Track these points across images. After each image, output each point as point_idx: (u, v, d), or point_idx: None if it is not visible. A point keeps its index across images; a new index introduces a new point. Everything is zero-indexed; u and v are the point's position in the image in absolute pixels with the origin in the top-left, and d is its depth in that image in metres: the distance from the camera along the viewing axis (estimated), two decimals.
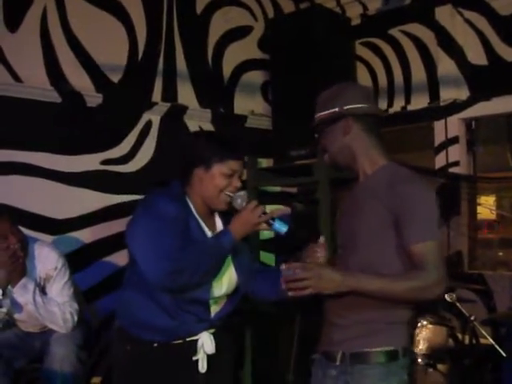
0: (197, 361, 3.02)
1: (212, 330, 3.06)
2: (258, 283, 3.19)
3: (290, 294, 2.54)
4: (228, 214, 3.02)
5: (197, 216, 3.00)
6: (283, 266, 2.55)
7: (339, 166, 2.84)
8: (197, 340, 3.01)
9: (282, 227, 2.86)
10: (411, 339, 2.79)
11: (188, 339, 3.00)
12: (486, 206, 6.07)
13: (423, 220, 2.53)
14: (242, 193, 2.96)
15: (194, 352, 3.00)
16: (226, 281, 3.04)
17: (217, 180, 2.93)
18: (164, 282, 2.79)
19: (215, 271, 2.91)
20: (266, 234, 6.40)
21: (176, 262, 2.74)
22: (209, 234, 3.01)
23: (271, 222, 2.86)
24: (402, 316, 2.64)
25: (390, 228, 2.56)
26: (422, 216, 2.53)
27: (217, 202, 2.97)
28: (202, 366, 3.02)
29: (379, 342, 2.60)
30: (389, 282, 2.54)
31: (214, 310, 3.05)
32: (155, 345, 2.97)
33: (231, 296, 3.11)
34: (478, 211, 6.11)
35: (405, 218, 2.53)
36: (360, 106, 2.72)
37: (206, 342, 3.00)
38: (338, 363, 2.65)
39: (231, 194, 2.94)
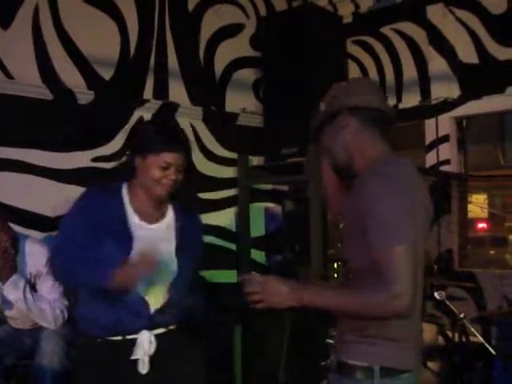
0: (137, 361, 2.96)
1: (159, 331, 3.01)
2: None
3: (251, 306, 2.46)
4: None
5: (128, 207, 3.00)
6: (239, 278, 2.54)
7: (341, 170, 2.69)
8: (136, 339, 2.95)
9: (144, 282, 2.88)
10: (411, 361, 2.45)
11: (128, 337, 2.95)
12: (477, 204, 6.10)
13: (385, 223, 2.29)
14: None
15: (133, 351, 2.96)
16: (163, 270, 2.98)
17: (151, 171, 2.91)
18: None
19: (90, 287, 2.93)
20: (257, 231, 6.43)
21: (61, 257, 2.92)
22: (137, 224, 2.99)
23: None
24: (384, 330, 2.38)
25: (363, 233, 2.34)
26: (384, 219, 2.29)
27: (152, 191, 2.96)
28: (143, 367, 2.94)
29: (352, 355, 2.44)
30: (340, 297, 2.40)
31: (154, 304, 2.99)
32: (99, 340, 2.96)
33: (171, 290, 3.04)
34: (469, 209, 6.14)
35: (368, 222, 2.32)
36: (353, 98, 2.57)
37: (144, 342, 2.94)
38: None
39: None
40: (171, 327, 3.06)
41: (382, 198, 2.31)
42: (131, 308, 2.92)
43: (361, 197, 2.38)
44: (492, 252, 6.14)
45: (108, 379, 2.95)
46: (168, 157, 2.91)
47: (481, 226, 6.22)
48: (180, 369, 3.07)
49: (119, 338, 2.95)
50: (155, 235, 3.00)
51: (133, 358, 2.93)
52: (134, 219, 2.99)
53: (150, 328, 2.97)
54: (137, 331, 2.95)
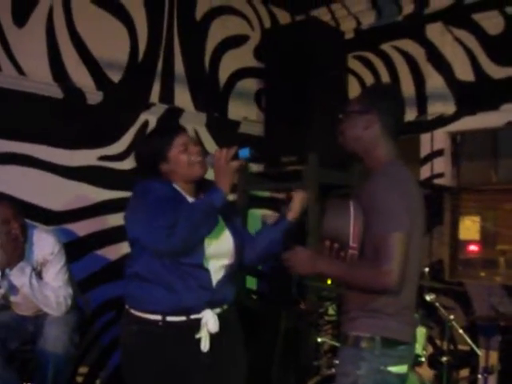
0: (199, 340, 3.06)
1: (217, 310, 3.11)
2: (258, 244, 3.37)
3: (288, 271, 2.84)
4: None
5: (187, 197, 3.17)
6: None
7: (348, 151, 2.94)
8: (200, 318, 3.05)
9: (245, 154, 3.01)
10: (408, 334, 2.79)
11: (192, 317, 3.03)
12: (470, 219, 6.22)
13: (385, 214, 2.61)
14: (209, 155, 3.12)
15: (197, 330, 3.05)
16: (223, 242, 3.18)
17: (180, 159, 3.14)
18: (163, 244, 2.87)
19: (209, 226, 2.97)
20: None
21: (169, 220, 2.85)
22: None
23: (238, 156, 3.01)
24: (384, 306, 2.69)
25: (370, 225, 2.68)
26: (385, 211, 2.61)
27: (194, 173, 3.17)
28: (205, 345, 3.05)
29: (356, 328, 2.74)
30: (348, 269, 2.71)
31: (216, 278, 3.11)
32: (160, 323, 3.02)
33: (229, 265, 3.21)
34: (461, 231, 6.27)
35: (372, 214, 2.65)
36: (384, 102, 2.84)
37: (209, 321, 3.04)
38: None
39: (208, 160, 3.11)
40: (225, 307, 3.18)
41: (384, 194, 2.65)
42: (196, 278, 3.04)
43: (368, 193, 2.70)
44: (482, 274, 6.22)
45: (170, 362, 3.03)
46: (180, 139, 3.18)
47: (472, 248, 6.32)
48: (232, 349, 3.23)
49: (183, 318, 3.05)
50: None
51: (197, 336, 3.05)
52: (189, 199, 3.16)
53: (212, 306, 3.08)
54: (199, 310, 3.05)
